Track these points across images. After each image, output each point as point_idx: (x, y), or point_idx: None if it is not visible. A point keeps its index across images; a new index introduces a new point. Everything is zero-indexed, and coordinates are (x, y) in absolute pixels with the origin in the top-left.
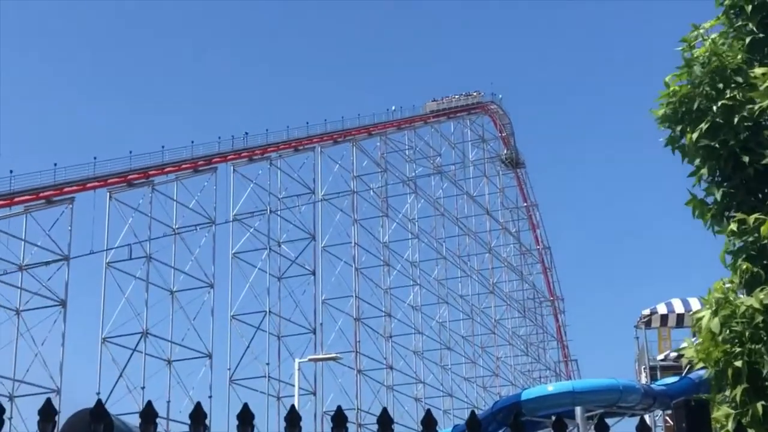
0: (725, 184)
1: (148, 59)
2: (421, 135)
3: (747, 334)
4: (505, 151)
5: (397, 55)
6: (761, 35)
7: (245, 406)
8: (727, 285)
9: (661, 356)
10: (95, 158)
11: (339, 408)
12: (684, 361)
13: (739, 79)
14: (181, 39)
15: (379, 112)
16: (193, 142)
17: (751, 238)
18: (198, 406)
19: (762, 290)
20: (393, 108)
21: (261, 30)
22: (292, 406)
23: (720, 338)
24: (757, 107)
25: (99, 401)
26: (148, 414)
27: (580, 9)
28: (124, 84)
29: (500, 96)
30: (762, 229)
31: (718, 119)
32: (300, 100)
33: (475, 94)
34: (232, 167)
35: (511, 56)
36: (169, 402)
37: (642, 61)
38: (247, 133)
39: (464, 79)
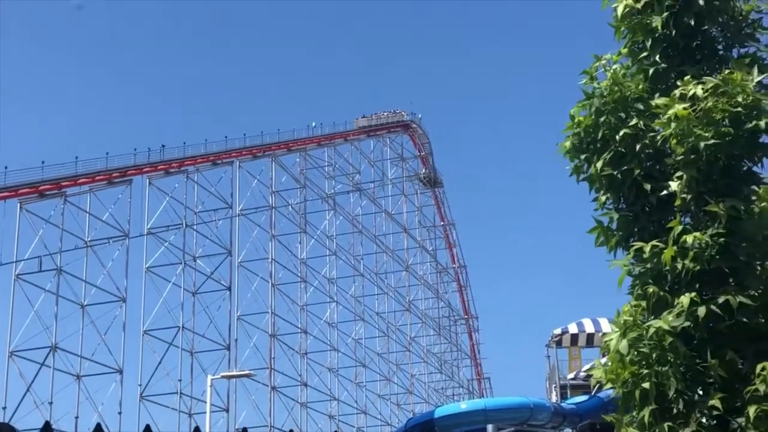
0: (625, 209)
1: (61, 65)
2: (341, 152)
3: (654, 356)
4: (424, 170)
5: (317, 72)
6: (664, 65)
7: (147, 428)
8: (634, 308)
9: (571, 375)
10: (6, 168)
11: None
12: (593, 381)
13: (641, 107)
14: (97, 47)
15: (300, 128)
16: (107, 153)
17: (650, 264)
18: (97, 428)
19: (670, 313)
20: (313, 124)
21: (182, 39)
22: (196, 427)
23: (628, 359)
24: (660, 136)
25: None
26: None
27: (500, 35)
28: (35, 91)
29: (419, 116)
30: (663, 255)
31: (621, 148)
32: (219, 113)
33: (402, 112)
34: (147, 180)
35: (430, 77)
36: (77, 418)
37: (558, 84)
38: (163, 146)
39: (384, 99)
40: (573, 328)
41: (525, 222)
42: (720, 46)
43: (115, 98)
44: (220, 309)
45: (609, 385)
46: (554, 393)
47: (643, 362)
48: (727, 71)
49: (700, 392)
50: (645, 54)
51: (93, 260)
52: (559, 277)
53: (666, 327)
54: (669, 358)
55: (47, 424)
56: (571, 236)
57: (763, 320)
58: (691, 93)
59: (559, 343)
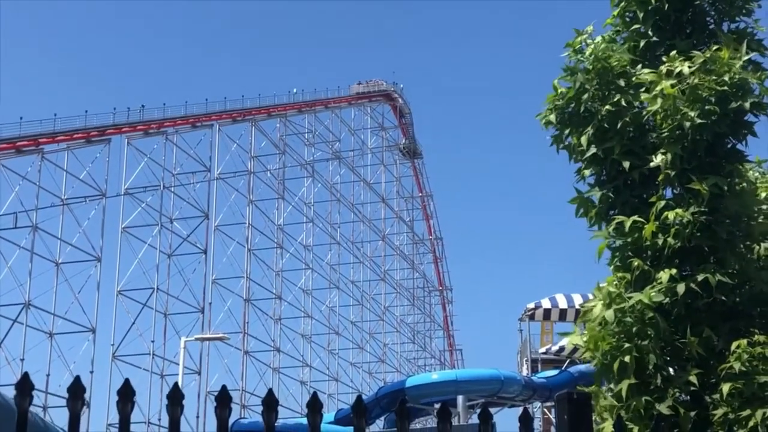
0: (607, 185)
1: (44, 23)
2: (321, 119)
3: (635, 329)
4: (404, 141)
5: (299, 39)
6: (654, 38)
7: (126, 382)
8: (618, 280)
9: (542, 349)
10: None
11: (224, 387)
12: (568, 347)
13: (622, 83)
14: (79, 5)
15: (281, 93)
16: (86, 111)
17: (630, 238)
18: (77, 380)
19: (652, 287)
20: (294, 90)
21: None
22: (176, 383)
23: (608, 329)
24: (645, 111)
25: None
26: (24, 386)
27: (483, 5)
28: (14, 44)
29: (401, 86)
30: (644, 230)
31: (604, 123)
32: (199, 76)
33: (382, 82)
34: (126, 140)
35: (412, 48)
36: (48, 375)
37: (540, 57)
38: (143, 106)
39: (366, 68)
40: (546, 303)
41: (502, 196)
42: (711, 20)
43: (95, 56)
44: (195, 272)
45: (587, 354)
46: (525, 367)
47: (623, 335)
48: (715, 48)
49: (677, 368)
50: (636, 26)
51: (69, 218)
52: (534, 251)
53: (647, 301)
54: (649, 332)
55: (26, 376)
56: (548, 211)
57: (739, 298)
58: (678, 69)
59: (531, 317)
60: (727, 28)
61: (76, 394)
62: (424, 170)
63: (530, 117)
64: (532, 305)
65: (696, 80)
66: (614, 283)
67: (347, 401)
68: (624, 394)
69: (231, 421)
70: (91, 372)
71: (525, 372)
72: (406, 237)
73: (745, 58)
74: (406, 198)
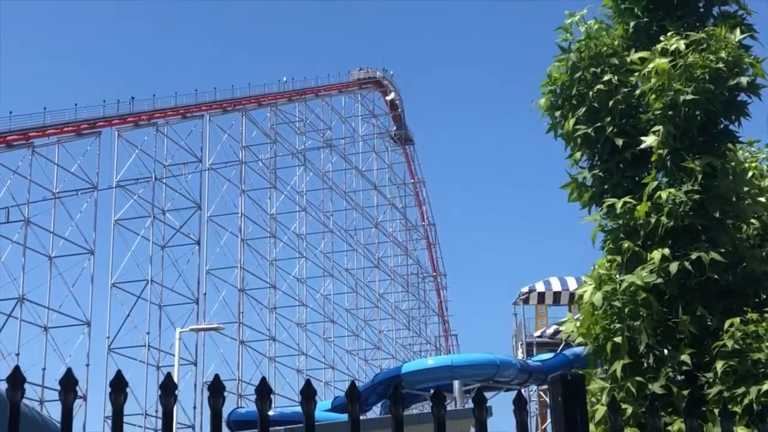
0: (599, 166)
1: (29, 13)
2: (312, 107)
3: (626, 310)
4: (395, 128)
5: (288, 27)
6: (645, 20)
7: (118, 373)
8: (609, 262)
9: (537, 333)
10: None
11: (216, 376)
12: (563, 335)
13: (615, 62)
14: None
15: (271, 82)
16: (76, 104)
17: (622, 220)
18: (68, 372)
19: (643, 269)
20: (284, 79)
21: None
22: (168, 373)
23: (600, 312)
24: (638, 91)
25: None
26: (15, 379)
27: None
28: (3, 43)
29: (391, 72)
30: (637, 210)
31: (594, 104)
32: (188, 67)
33: (375, 69)
34: (116, 132)
35: (402, 33)
36: (44, 369)
37: (533, 41)
38: (133, 98)
39: (356, 56)
40: (540, 287)
41: (495, 181)
42: (701, 4)
43: (83, 49)
44: (188, 263)
45: (580, 340)
46: (520, 350)
47: (615, 317)
48: (710, 27)
49: (670, 348)
50: (629, 6)
51: (61, 212)
52: (527, 236)
53: (639, 282)
54: (641, 313)
55: (17, 369)
56: (541, 196)
57: (732, 277)
58: (673, 47)
59: (526, 301)
60: (717, 11)
61: (69, 386)
62: (416, 157)
63: (523, 101)
64: (526, 289)
65: (691, 58)
66: (605, 265)
67: (343, 389)
68: (618, 374)
69: (228, 410)
70: (87, 365)
71: (520, 356)
72: (399, 224)
73: (739, 38)
74: (398, 185)
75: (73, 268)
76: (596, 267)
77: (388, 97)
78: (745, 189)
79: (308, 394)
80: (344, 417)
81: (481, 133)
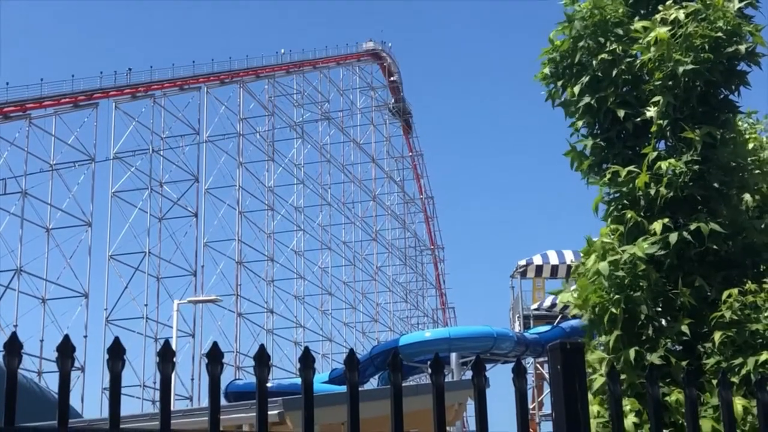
0: (599, 136)
1: None
2: (310, 80)
3: (626, 281)
4: (393, 100)
5: None
6: None
7: (116, 340)
8: (612, 232)
9: (534, 306)
10: None
11: (215, 344)
12: (559, 304)
13: (620, 32)
14: None
15: (268, 54)
16: (73, 76)
17: (625, 189)
18: (66, 339)
19: (645, 239)
20: (282, 51)
21: None
22: (166, 340)
23: (598, 283)
24: (638, 61)
25: None
26: (12, 346)
27: None
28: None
29: (390, 44)
30: (637, 181)
31: (598, 73)
32: (186, 38)
33: (370, 42)
34: (113, 104)
35: (401, 5)
36: (42, 341)
37: (533, 10)
38: (130, 69)
39: (355, 28)
40: (538, 260)
41: (494, 153)
42: None
43: (81, 20)
44: (186, 235)
45: (575, 310)
46: (517, 323)
47: (614, 287)
48: None
49: (669, 318)
50: None
51: (58, 184)
52: (525, 209)
53: (640, 254)
54: (641, 283)
55: (14, 335)
56: (540, 169)
57: (731, 248)
58: (672, 17)
59: (523, 274)
60: None
61: (66, 353)
62: (414, 129)
63: (521, 73)
64: (523, 262)
65: (690, 28)
66: (608, 235)
67: (341, 361)
68: (612, 345)
69: (226, 382)
70: (85, 337)
71: (517, 328)
72: (397, 197)
73: (738, 5)
74: (396, 158)
75: (70, 240)
76: (598, 236)
77: (386, 63)
78: (745, 159)
79: (307, 361)
80: (342, 388)
81: (480, 106)
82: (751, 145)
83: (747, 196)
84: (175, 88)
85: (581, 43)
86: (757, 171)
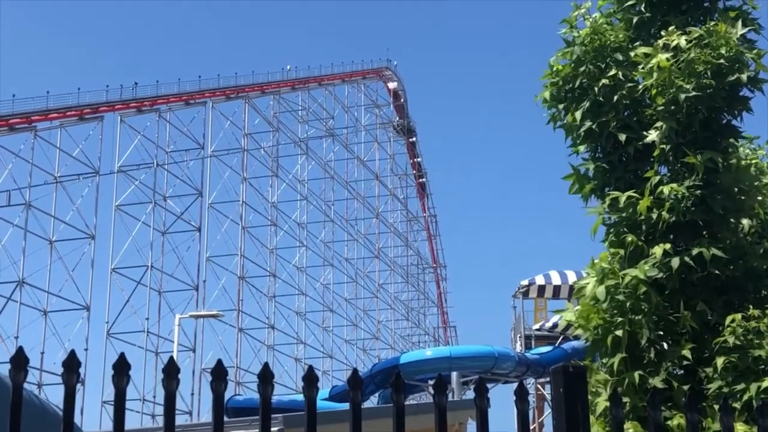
0: (601, 159)
1: (33, 2)
2: (315, 96)
3: (628, 304)
4: (397, 118)
5: (292, 16)
6: (648, 15)
7: (121, 355)
8: (612, 255)
9: (536, 326)
10: None
11: (219, 361)
12: (561, 323)
13: (620, 57)
14: None
15: (274, 70)
16: (79, 89)
17: (625, 213)
18: (72, 354)
19: (646, 263)
20: (288, 68)
21: None
22: (171, 357)
23: (602, 305)
24: (641, 86)
25: None
26: (19, 360)
27: None
28: (5, 26)
29: (395, 62)
30: (639, 205)
31: (599, 98)
32: (192, 54)
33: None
34: (119, 117)
35: (406, 25)
36: (43, 353)
37: (537, 32)
38: (136, 83)
39: (360, 46)
40: (540, 280)
41: (497, 173)
42: None
43: (88, 34)
44: (189, 249)
45: (579, 330)
46: (519, 343)
47: (616, 311)
48: (712, 23)
49: (671, 342)
50: (631, 2)
51: (62, 196)
52: (528, 229)
53: (642, 276)
54: (643, 307)
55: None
56: (543, 189)
57: (733, 273)
58: (674, 43)
59: (525, 294)
60: (722, 5)
61: (72, 368)
62: (418, 147)
63: (525, 93)
64: (525, 282)
65: (692, 54)
66: (608, 259)
67: (341, 378)
68: (616, 368)
69: (226, 397)
70: (86, 349)
71: (518, 348)
72: (401, 214)
73: (741, 32)
74: (399, 176)
75: (73, 253)
76: (599, 260)
77: (391, 85)
78: (747, 184)
79: (311, 380)
80: (343, 406)
81: (483, 125)
82: (752, 170)
83: (745, 221)
84: (181, 102)
85: (582, 69)
86: (759, 197)
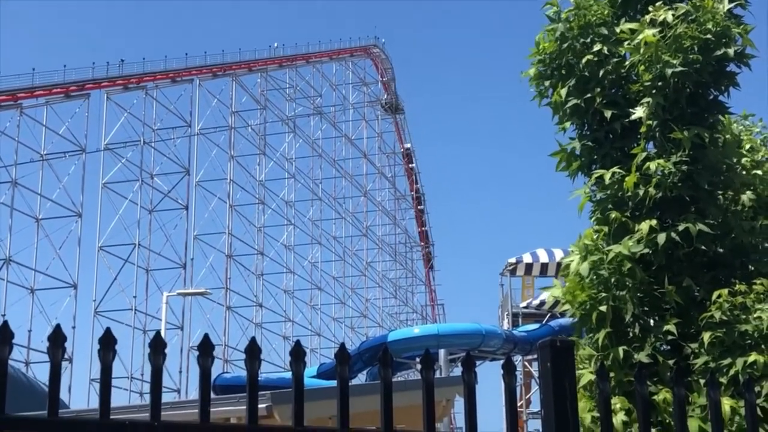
0: (588, 136)
1: None
2: (303, 74)
3: (613, 280)
4: (385, 96)
5: None
6: None
7: (107, 330)
8: (595, 233)
9: (523, 304)
10: None
11: (206, 336)
12: (549, 301)
13: (605, 32)
14: None
15: (261, 48)
16: (65, 66)
17: (611, 191)
18: (57, 328)
19: (630, 239)
20: (275, 45)
21: None
22: (157, 332)
23: (587, 282)
24: (627, 62)
25: None
26: (4, 335)
27: None
28: None
29: (383, 40)
30: (626, 181)
31: (585, 73)
32: (179, 30)
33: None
34: (105, 95)
35: (393, 3)
36: (30, 331)
37: (524, 8)
38: (122, 60)
39: (348, 24)
40: (527, 258)
41: (484, 151)
42: None
43: (74, 11)
44: (176, 227)
45: (566, 306)
46: (506, 321)
47: (601, 286)
48: None
49: (656, 318)
50: None
51: (49, 174)
52: (516, 206)
53: (626, 252)
54: (627, 282)
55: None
56: (530, 166)
57: (720, 248)
58: (661, 18)
59: (513, 272)
60: None
61: (57, 343)
62: (406, 125)
63: (512, 71)
64: (513, 260)
65: (679, 29)
66: (592, 236)
67: (329, 356)
68: (601, 343)
69: (214, 375)
70: (73, 327)
71: (506, 326)
72: (388, 193)
73: (728, 7)
74: (387, 154)
75: (60, 231)
76: (582, 237)
77: (379, 60)
78: (735, 160)
79: (298, 355)
80: (330, 383)
81: (471, 103)
82: (747, 146)
83: (744, 197)
84: (168, 80)
85: (566, 45)
86: (753, 172)
